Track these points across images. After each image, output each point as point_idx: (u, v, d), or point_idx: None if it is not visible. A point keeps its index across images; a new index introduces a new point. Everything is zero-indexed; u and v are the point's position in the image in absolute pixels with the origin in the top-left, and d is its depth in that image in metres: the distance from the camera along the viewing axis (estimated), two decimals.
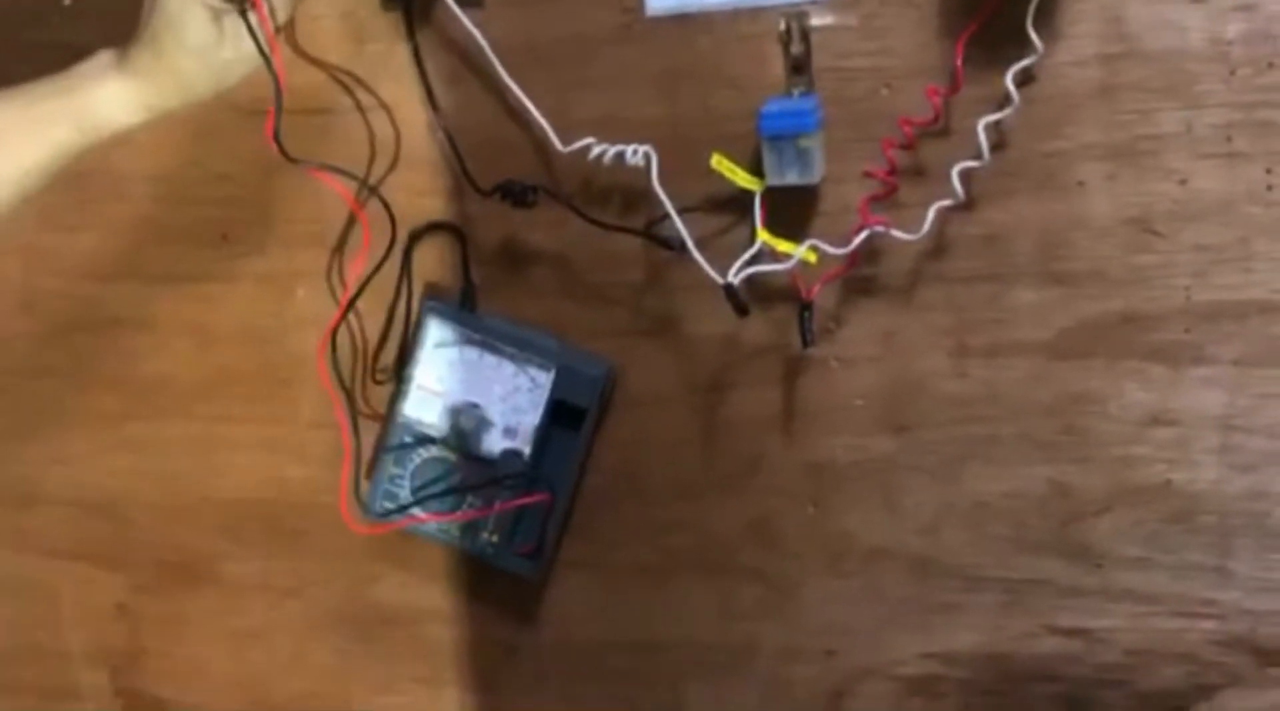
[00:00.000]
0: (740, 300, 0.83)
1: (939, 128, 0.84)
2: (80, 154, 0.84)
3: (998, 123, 0.82)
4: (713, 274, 0.85)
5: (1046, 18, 0.81)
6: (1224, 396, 0.85)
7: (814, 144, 0.84)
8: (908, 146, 0.84)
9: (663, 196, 0.87)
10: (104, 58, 0.84)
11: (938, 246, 0.87)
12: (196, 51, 0.82)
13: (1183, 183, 0.83)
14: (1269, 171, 0.82)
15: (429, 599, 1.03)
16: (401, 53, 0.94)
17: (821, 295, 0.89)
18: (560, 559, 0.99)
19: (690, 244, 0.86)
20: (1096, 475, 0.88)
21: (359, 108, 0.96)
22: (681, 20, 0.89)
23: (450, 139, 0.94)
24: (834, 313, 0.91)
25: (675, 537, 0.98)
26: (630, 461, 0.97)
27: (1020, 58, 0.81)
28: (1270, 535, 0.86)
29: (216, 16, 0.82)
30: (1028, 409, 0.89)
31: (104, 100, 0.83)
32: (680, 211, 0.87)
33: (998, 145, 0.84)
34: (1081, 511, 0.89)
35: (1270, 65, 0.80)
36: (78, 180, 0.92)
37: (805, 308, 0.87)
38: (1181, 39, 0.81)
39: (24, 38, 1.02)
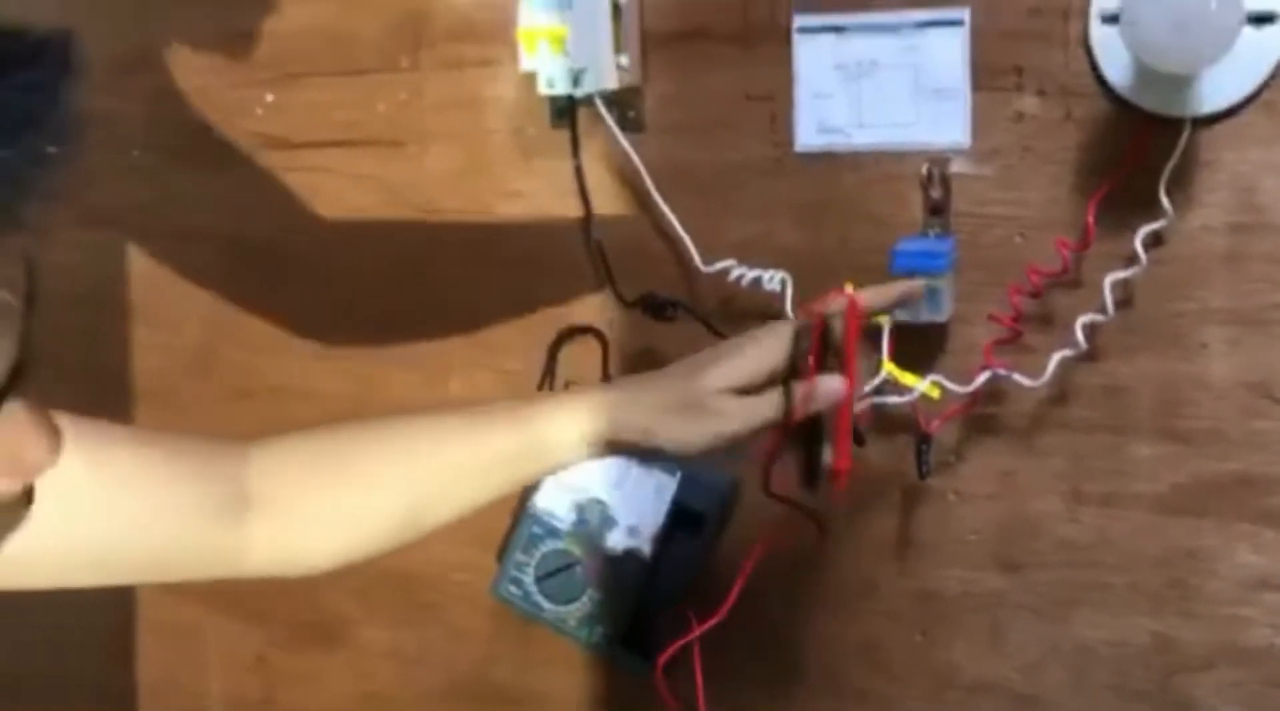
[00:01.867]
0: (858, 430, 0.87)
1: (1067, 280, 0.87)
2: (531, 478, 0.84)
3: (1125, 280, 0.85)
4: None
5: (1179, 184, 0.84)
6: None
7: (943, 284, 0.87)
8: (1035, 295, 0.87)
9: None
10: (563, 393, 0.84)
11: (1059, 394, 0.90)
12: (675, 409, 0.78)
13: None
14: None
15: (544, 682, 1.08)
16: (566, 169, 1.00)
17: (943, 430, 0.92)
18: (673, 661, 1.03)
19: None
20: (1202, 631, 0.89)
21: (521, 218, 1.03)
22: (828, 157, 0.93)
23: (601, 250, 0.99)
24: (954, 448, 0.93)
25: (787, 652, 1.01)
26: (750, 573, 1.00)
27: (1151, 220, 0.84)
28: None
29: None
30: (1138, 560, 0.90)
31: (556, 427, 0.79)
32: None
33: (1123, 302, 0.86)
34: (1184, 666, 0.90)
35: None
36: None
37: (924, 440, 0.90)
38: None
39: (236, 126, 1.11)
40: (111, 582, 0.75)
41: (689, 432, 0.78)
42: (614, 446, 0.80)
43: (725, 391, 0.78)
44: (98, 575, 0.74)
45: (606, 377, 1.02)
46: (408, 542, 0.81)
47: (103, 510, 0.71)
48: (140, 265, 1.17)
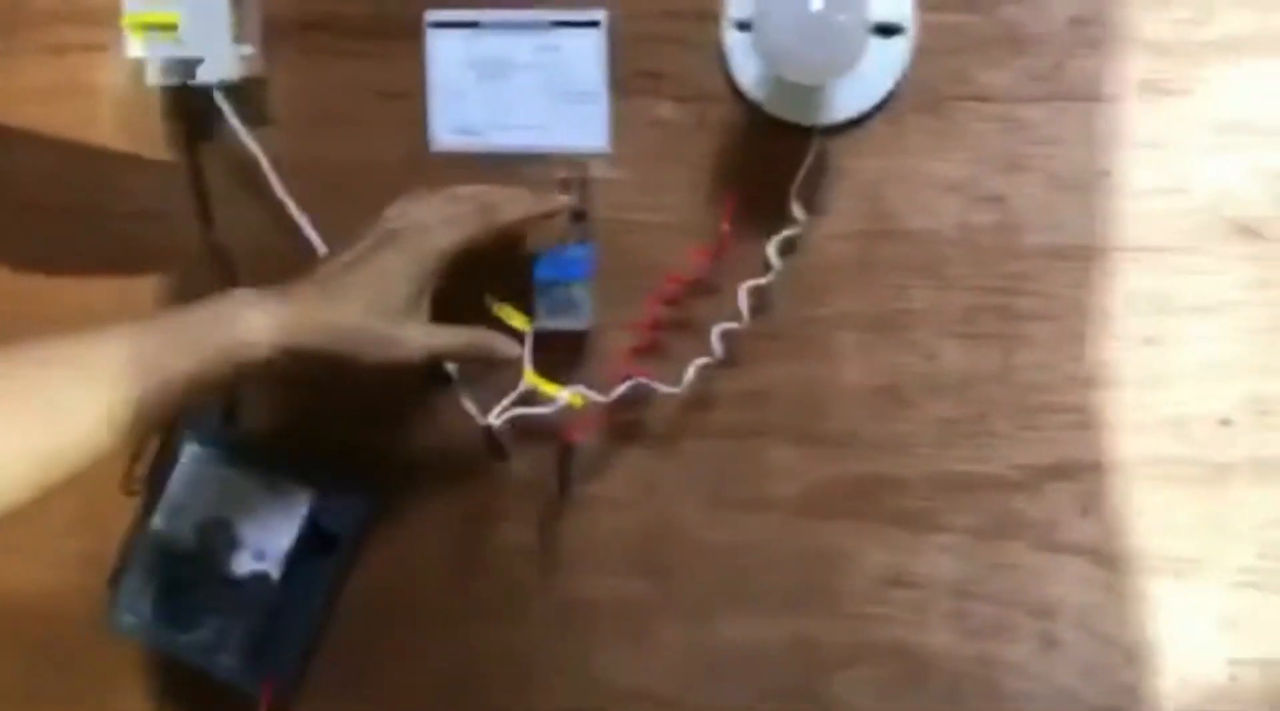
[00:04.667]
0: (501, 444, 0.84)
1: (704, 287, 0.87)
2: (223, 389, 0.80)
3: (759, 287, 0.85)
4: (476, 414, 0.86)
5: (810, 192, 0.85)
6: (958, 563, 0.89)
7: (582, 292, 0.85)
8: (671, 302, 0.87)
9: None
10: (249, 292, 0.79)
11: (700, 400, 0.89)
12: (379, 314, 0.79)
13: (930, 357, 0.87)
14: (1008, 353, 0.86)
15: None
16: (182, 163, 0.93)
17: (589, 438, 0.90)
18: (313, 681, 0.98)
19: (456, 380, 0.87)
20: (839, 630, 0.91)
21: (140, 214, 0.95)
22: (467, 160, 0.90)
23: (221, 252, 0.93)
24: (600, 454, 0.92)
25: (432, 664, 0.97)
26: (390, 588, 0.97)
27: (783, 227, 0.85)
28: (999, 700, 0.89)
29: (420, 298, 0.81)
30: (777, 562, 0.91)
31: (246, 326, 0.77)
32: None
33: (759, 308, 0.86)
34: (823, 663, 0.91)
35: (1014, 255, 0.85)
36: None
37: (566, 450, 0.88)
38: (936, 222, 0.85)
39: None
40: None
41: (390, 349, 0.79)
42: (314, 355, 0.78)
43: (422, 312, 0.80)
44: None
45: (230, 407, 0.95)
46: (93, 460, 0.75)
47: None
48: None
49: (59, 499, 0.96)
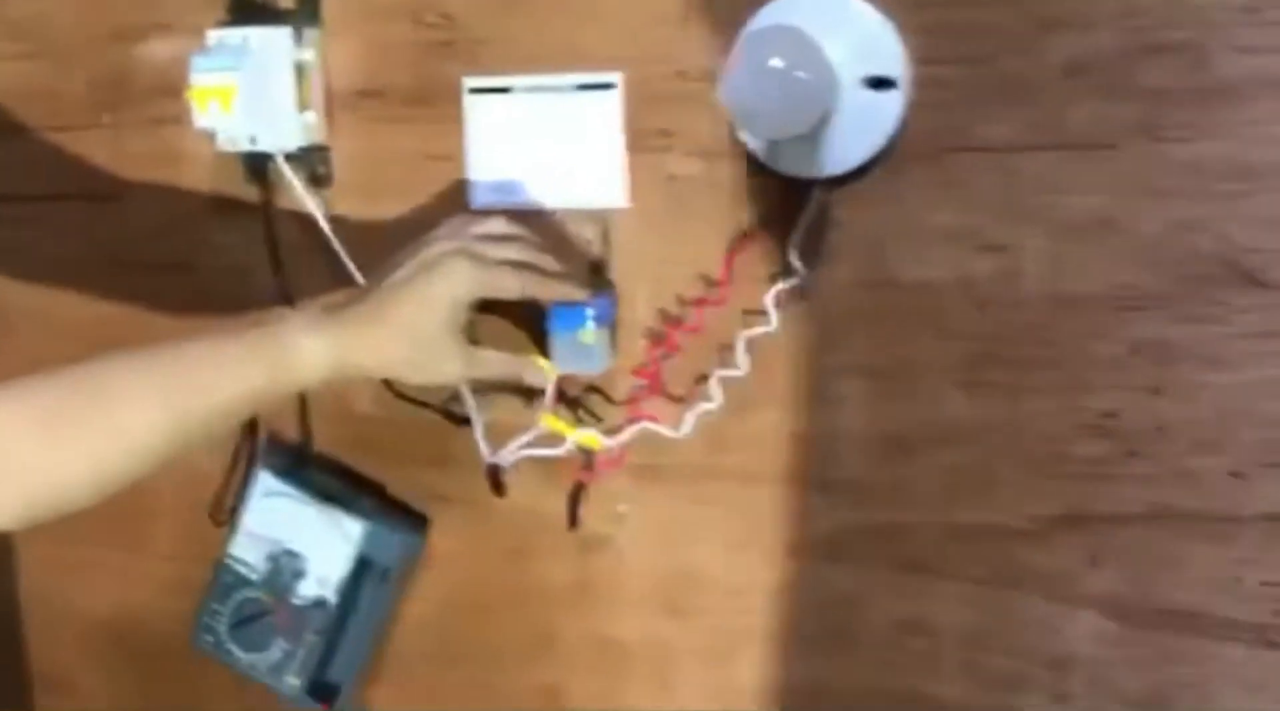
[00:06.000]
0: (499, 480, 0.89)
1: (706, 336, 0.90)
2: (275, 403, 0.87)
3: (757, 337, 0.88)
4: (484, 451, 0.91)
5: (811, 243, 0.87)
6: (969, 613, 0.88)
7: (595, 339, 0.90)
8: (673, 350, 0.90)
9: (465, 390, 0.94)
10: (307, 310, 0.87)
11: (711, 445, 0.92)
12: (421, 341, 0.85)
13: (935, 406, 0.87)
14: (1013, 403, 0.86)
15: None
16: (260, 222, 1.02)
17: (614, 478, 0.94)
18: (365, 707, 1.04)
19: (475, 421, 0.93)
20: (855, 676, 0.92)
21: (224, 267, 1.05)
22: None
23: (292, 302, 1.01)
24: (626, 495, 0.96)
25: (473, 698, 1.02)
26: (438, 619, 1.03)
27: (784, 278, 0.87)
28: None
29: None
30: (793, 606, 0.92)
31: (302, 351, 0.83)
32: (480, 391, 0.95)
33: (764, 357, 0.89)
34: (838, 708, 0.92)
35: (1018, 304, 0.85)
36: None
37: (577, 490, 0.93)
38: (938, 272, 0.86)
39: None
40: None
41: (430, 372, 0.87)
42: (359, 374, 0.87)
43: (462, 338, 0.86)
44: None
45: (306, 427, 1.04)
46: (159, 471, 0.82)
47: None
48: None
49: (158, 526, 1.08)
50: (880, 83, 0.84)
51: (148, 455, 0.81)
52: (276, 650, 1.02)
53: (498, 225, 0.90)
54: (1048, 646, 0.87)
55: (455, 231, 0.89)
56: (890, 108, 0.85)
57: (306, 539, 1.02)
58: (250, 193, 1.03)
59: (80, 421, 0.79)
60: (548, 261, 0.90)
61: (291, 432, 1.04)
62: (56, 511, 0.79)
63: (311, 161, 1.00)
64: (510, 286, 0.87)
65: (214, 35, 0.96)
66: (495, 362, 0.90)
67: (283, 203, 1.02)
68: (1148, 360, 0.83)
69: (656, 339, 0.91)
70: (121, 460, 0.80)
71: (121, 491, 0.81)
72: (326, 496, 1.01)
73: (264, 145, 0.96)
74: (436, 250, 0.87)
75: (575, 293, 0.89)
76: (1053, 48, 0.81)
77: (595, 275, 0.93)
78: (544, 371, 0.91)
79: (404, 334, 0.85)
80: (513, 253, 0.88)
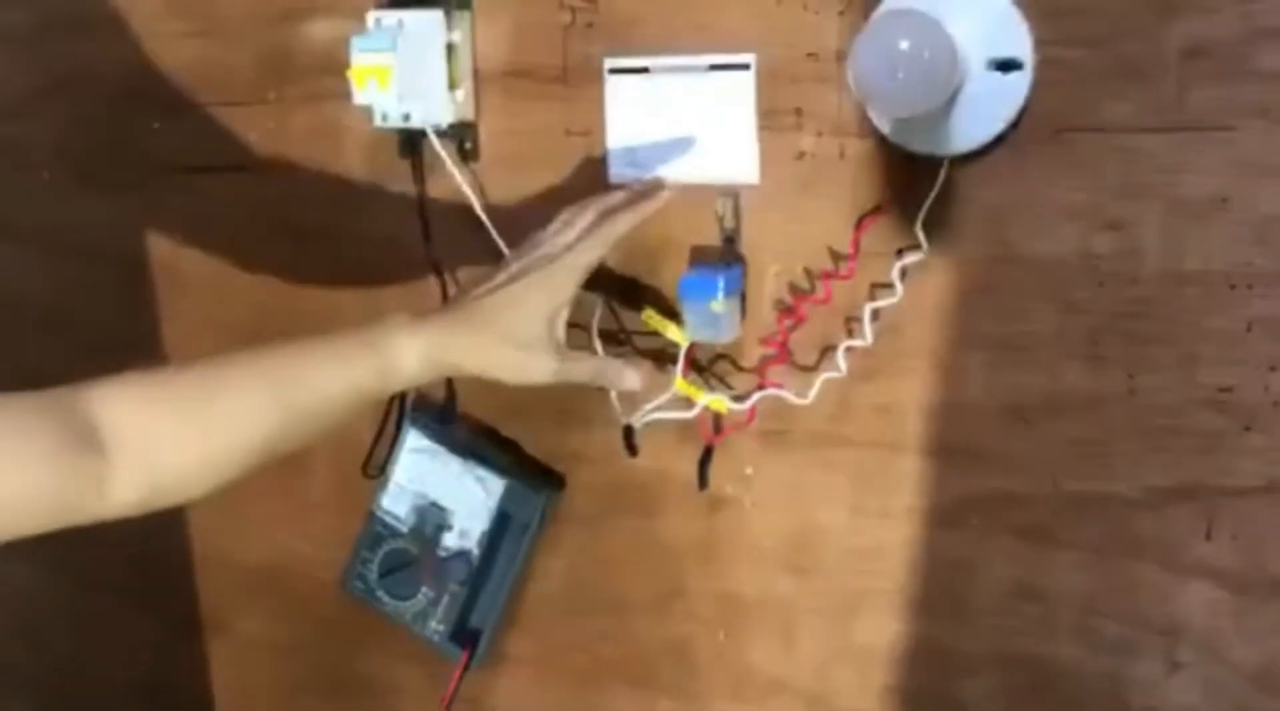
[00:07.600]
0: (632, 441, 0.94)
1: (834, 307, 0.94)
2: (377, 400, 0.94)
3: (883, 309, 0.91)
4: (619, 413, 0.96)
5: (937, 219, 0.90)
6: (1083, 579, 0.91)
7: (725, 308, 0.94)
8: (800, 321, 0.94)
9: (597, 344, 0.99)
10: (402, 317, 0.90)
11: (836, 412, 0.96)
12: (513, 341, 0.90)
13: (1053, 378, 0.90)
14: (1130, 376, 0.88)
15: (390, 672, 1.16)
16: (413, 193, 1.09)
17: (741, 442, 0.99)
18: (502, 653, 1.11)
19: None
20: (968, 638, 0.95)
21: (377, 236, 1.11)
22: None
23: (439, 269, 1.07)
24: (753, 458, 1.00)
25: (604, 648, 1.08)
26: (572, 572, 1.08)
27: (910, 252, 0.91)
28: None
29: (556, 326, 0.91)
30: (911, 568, 0.96)
31: (403, 351, 0.88)
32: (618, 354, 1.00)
33: (888, 328, 0.92)
34: (953, 669, 0.96)
35: (1136, 280, 0.87)
36: None
37: (706, 453, 0.97)
38: (1058, 248, 0.89)
39: (133, 152, 1.21)
40: None
41: (523, 373, 0.91)
42: (455, 373, 0.94)
43: (556, 343, 0.91)
44: None
45: (451, 388, 1.10)
46: (268, 463, 0.86)
47: None
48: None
49: (314, 480, 1.15)
50: (1006, 65, 0.87)
51: (256, 444, 0.85)
52: (422, 598, 1.09)
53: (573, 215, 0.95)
54: (1161, 614, 0.89)
55: (535, 238, 0.94)
56: (1015, 89, 0.87)
57: (451, 494, 1.08)
58: (403, 166, 1.09)
59: (194, 410, 0.84)
60: (617, 200, 0.95)
61: (438, 393, 1.10)
62: (174, 499, 0.84)
63: (460, 137, 1.05)
64: (594, 250, 0.92)
65: (372, 17, 1.02)
66: (585, 364, 0.94)
67: (433, 176, 1.08)
68: (1264, 337, 0.85)
69: (785, 310, 0.95)
70: (230, 449, 0.85)
71: (232, 483, 0.85)
72: (470, 454, 1.07)
73: (417, 121, 1.02)
74: (523, 261, 0.92)
75: (654, 201, 0.94)
76: (1172, 31, 0.83)
77: (728, 246, 0.97)
78: (676, 339, 0.96)
79: (502, 340, 0.90)
80: (589, 218, 0.93)
